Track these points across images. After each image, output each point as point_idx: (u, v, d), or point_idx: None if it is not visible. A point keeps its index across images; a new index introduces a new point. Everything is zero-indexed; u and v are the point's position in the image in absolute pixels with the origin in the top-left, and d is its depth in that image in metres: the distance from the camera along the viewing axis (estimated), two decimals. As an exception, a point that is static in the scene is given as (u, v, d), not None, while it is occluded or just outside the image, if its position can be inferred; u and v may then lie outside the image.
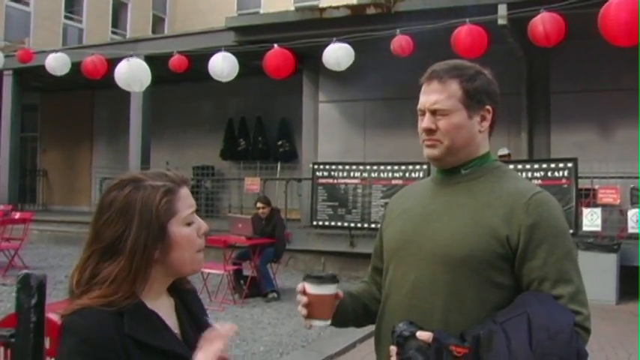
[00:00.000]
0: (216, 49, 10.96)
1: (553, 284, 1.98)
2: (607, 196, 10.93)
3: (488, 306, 2.00)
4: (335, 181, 12.90)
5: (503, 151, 12.53)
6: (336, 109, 15.44)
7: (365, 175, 12.63)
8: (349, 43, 10.21)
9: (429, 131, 2.16)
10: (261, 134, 18.29)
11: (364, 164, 12.89)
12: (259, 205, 10.69)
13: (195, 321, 1.88)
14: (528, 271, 2.01)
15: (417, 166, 12.19)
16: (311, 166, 13.45)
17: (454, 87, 2.14)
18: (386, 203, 11.82)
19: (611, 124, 13.04)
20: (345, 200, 12.73)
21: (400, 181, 12.25)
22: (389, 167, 12.47)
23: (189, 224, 1.75)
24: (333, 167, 13.01)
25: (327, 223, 12.94)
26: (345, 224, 12.73)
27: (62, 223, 17.40)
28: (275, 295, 10.23)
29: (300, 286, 2.17)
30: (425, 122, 2.17)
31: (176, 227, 1.72)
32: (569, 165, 10.66)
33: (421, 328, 1.93)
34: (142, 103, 15.98)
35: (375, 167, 12.60)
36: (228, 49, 11.00)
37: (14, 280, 9.62)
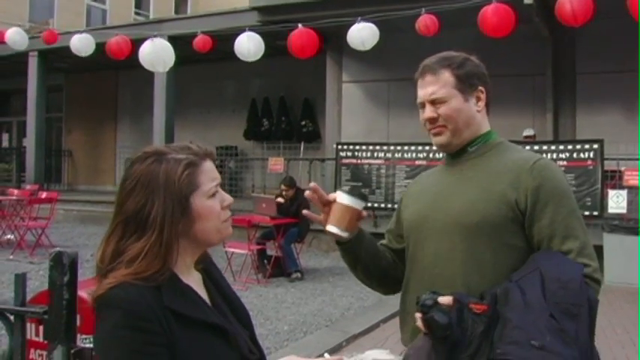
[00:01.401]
0: (240, 30, 10.93)
1: (562, 240, 2.13)
2: (633, 178, 10.81)
3: (504, 268, 2.13)
4: (359, 161, 12.89)
5: (529, 132, 12.45)
6: (359, 89, 15.39)
7: (389, 155, 12.62)
8: (374, 23, 10.14)
9: (432, 120, 2.32)
10: (285, 114, 18.29)
11: (388, 144, 12.86)
12: (283, 187, 10.70)
13: (222, 293, 1.90)
14: (538, 230, 2.15)
15: (441, 147, 12.14)
16: (335, 146, 13.45)
17: (446, 75, 2.30)
18: (406, 186, 11.85)
19: (638, 106, 12.89)
20: (369, 180, 12.74)
21: (424, 162, 12.24)
22: (412, 148, 12.45)
23: (212, 197, 1.75)
24: (357, 147, 13.00)
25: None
26: (369, 204, 12.71)
27: (87, 202, 17.56)
28: (299, 274, 10.27)
29: (330, 196, 2.30)
30: (426, 113, 2.33)
31: (199, 200, 1.72)
32: (595, 146, 10.57)
33: (443, 295, 2.04)
34: (165, 84, 16.02)
35: (398, 148, 12.59)
36: (252, 29, 10.97)
37: (41, 259, 9.73)
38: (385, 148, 12.75)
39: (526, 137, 12.29)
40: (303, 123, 17.92)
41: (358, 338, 7.18)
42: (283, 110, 18.30)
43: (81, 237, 14.10)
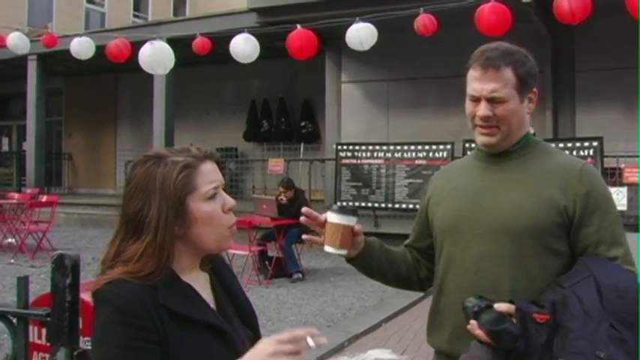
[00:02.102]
0: (239, 31, 10.94)
1: (608, 247, 2.12)
2: (633, 175, 10.82)
3: (549, 272, 2.12)
4: (359, 161, 12.91)
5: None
6: (358, 89, 15.40)
7: (388, 155, 12.64)
8: (372, 23, 10.15)
9: (487, 118, 2.21)
10: (284, 115, 18.31)
11: (387, 144, 12.88)
12: (280, 189, 10.71)
13: (231, 296, 1.89)
14: (584, 236, 2.14)
15: (441, 146, 12.19)
16: (334, 146, 13.47)
17: (509, 75, 2.19)
18: (406, 186, 11.75)
19: (637, 103, 12.89)
20: (369, 180, 12.75)
21: (424, 162, 12.28)
22: (412, 147, 12.48)
23: (210, 200, 1.72)
24: (357, 148, 13.02)
25: (351, 204, 12.96)
26: (369, 204, 12.76)
27: (88, 205, 17.58)
28: (300, 275, 10.28)
29: (321, 217, 2.28)
30: (482, 110, 2.21)
31: (196, 203, 1.70)
32: (595, 144, 10.58)
33: (492, 301, 2.00)
34: (165, 86, 16.03)
35: (398, 147, 12.61)
36: (250, 30, 10.98)
37: (43, 263, 9.70)
38: (385, 148, 12.76)
39: (525, 135, 12.27)
40: (303, 124, 17.94)
41: (360, 338, 7.19)
42: (283, 111, 18.30)
43: (82, 240, 14.11)
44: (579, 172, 2.17)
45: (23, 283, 2.20)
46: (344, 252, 2.27)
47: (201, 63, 16.41)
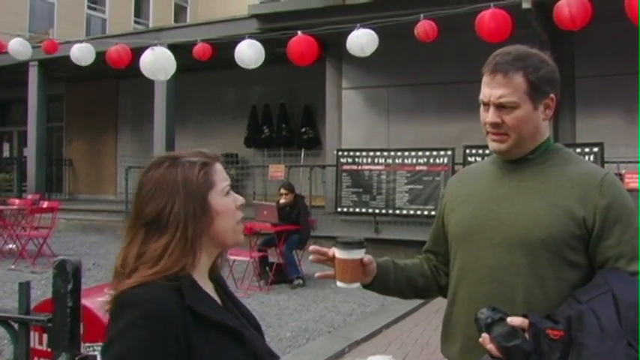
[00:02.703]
0: (240, 37, 10.97)
1: (628, 261, 2.03)
2: (633, 180, 10.81)
3: (566, 285, 2.06)
4: (359, 167, 12.93)
5: (529, 136, 12.44)
6: (359, 95, 15.40)
7: (389, 161, 12.66)
8: (373, 29, 10.17)
9: (495, 125, 2.17)
10: (285, 121, 18.30)
11: (388, 150, 12.89)
12: (282, 190, 10.75)
13: (233, 303, 1.93)
14: (604, 249, 2.06)
15: (442, 152, 12.20)
16: (335, 152, 13.48)
17: (519, 80, 2.13)
18: (407, 192, 11.70)
19: (638, 109, 12.89)
20: (370, 186, 12.77)
21: (424, 167, 12.30)
22: (413, 153, 12.50)
23: (226, 195, 1.82)
24: (357, 154, 13.04)
25: (351, 210, 12.98)
26: (370, 210, 12.77)
27: (89, 211, 17.60)
28: (301, 281, 10.28)
29: (329, 250, 2.27)
30: (490, 117, 2.18)
31: (216, 198, 1.78)
32: (595, 150, 10.58)
33: (505, 313, 1.94)
34: (165, 92, 16.03)
35: (399, 153, 12.63)
36: (251, 36, 11.01)
37: (43, 268, 9.70)
38: (385, 154, 12.78)
39: (526, 142, 12.28)
40: (304, 130, 17.93)
41: (360, 344, 7.18)
42: (284, 117, 18.31)
43: (82, 246, 14.13)
44: (600, 183, 2.10)
45: (25, 288, 2.20)
46: (356, 285, 2.26)
47: (202, 69, 16.44)
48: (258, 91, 18.64)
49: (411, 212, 12.41)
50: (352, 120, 15.31)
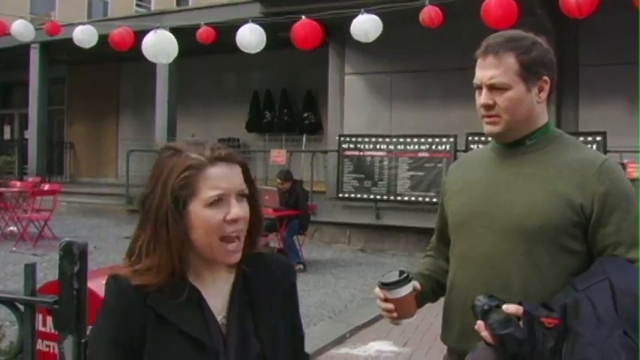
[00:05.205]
0: (243, 21, 10.92)
1: (627, 249, 2.01)
2: (635, 170, 10.78)
3: (564, 272, 2.06)
4: (361, 153, 12.93)
5: (532, 124, 12.42)
6: (362, 81, 15.36)
7: (391, 147, 12.64)
8: (377, 15, 10.11)
9: (487, 107, 2.16)
10: (287, 106, 18.28)
11: (390, 137, 12.87)
12: (278, 180, 10.77)
13: (254, 309, 1.74)
14: (602, 237, 2.05)
15: (444, 139, 12.19)
16: (337, 138, 13.47)
17: (510, 60, 2.12)
18: (409, 178, 11.69)
19: (634, 96, 12.85)
20: (372, 172, 12.76)
21: (426, 154, 12.29)
22: (415, 140, 12.49)
23: (211, 206, 1.61)
24: (360, 139, 13.03)
25: (352, 196, 12.98)
26: (371, 196, 12.77)
27: (90, 194, 17.60)
28: (301, 267, 10.29)
29: (380, 294, 2.21)
30: (482, 98, 2.17)
31: (195, 207, 1.61)
32: (598, 139, 10.57)
33: (502, 301, 1.94)
34: (167, 76, 16.01)
35: (401, 140, 12.61)
36: (254, 20, 10.96)
37: (45, 251, 9.71)
38: (388, 140, 12.76)
39: (528, 129, 12.27)
40: (306, 115, 17.91)
41: (361, 330, 7.19)
42: (285, 102, 18.28)
43: (83, 229, 14.14)
44: (598, 170, 2.08)
45: (30, 270, 2.18)
46: (414, 314, 2.26)
47: (204, 53, 16.35)
48: (260, 76, 18.58)
49: (413, 199, 12.41)
50: (354, 106, 15.28)
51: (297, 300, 1.92)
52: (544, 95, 2.19)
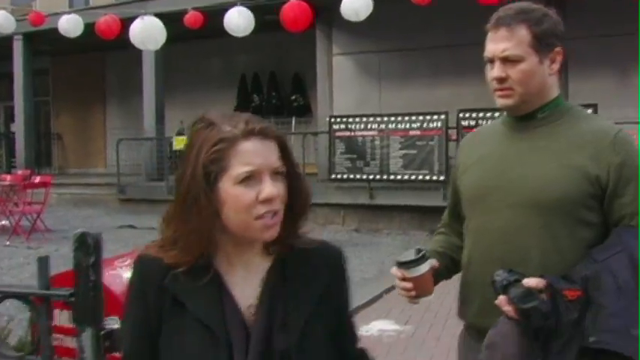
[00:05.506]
0: (230, 4, 10.84)
1: None
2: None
3: (581, 244, 2.04)
4: (352, 133, 12.91)
5: (522, 99, 12.42)
6: (350, 61, 15.31)
7: (382, 126, 12.63)
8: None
9: (500, 80, 2.13)
10: (275, 89, 18.26)
11: (382, 116, 12.86)
12: None
13: (287, 299, 1.59)
14: (619, 207, 2.04)
15: (435, 116, 12.18)
16: (328, 119, 13.43)
17: (523, 32, 2.10)
18: (401, 157, 11.63)
19: (630, 69, 12.85)
20: (364, 152, 12.75)
21: (418, 132, 12.29)
22: (406, 118, 12.47)
23: (242, 183, 1.50)
24: (351, 120, 13.01)
25: (345, 176, 12.96)
26: (364, 176, 12.76)
27: (80, 185, 17.53)
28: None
29: (398, 274, 2.19)
30: (495, 71, 2.13)
31: (225, 183, 1.51)
32: (589, 111, 10.52)
33: (522, 274, 1.92)
34: (154, 63, 15.90)
35: (392, 119, 12.60)
36: (243, 3, 10.87)
37: (38, 244, 9.68)
38: (379, 119, 12.74)
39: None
40: (294, 97, 17.89)
41: (362, 310, 7.17)
42: (273, 85, 18.25)
43: (76, 220, 14.06)
44: (613, 141, 2.06)
45: (44, 263, 2.14)
46: (432, 292, 2.24)
47: (189, 38, 16.26)
48: (246, 60, 18.51)
49: (406, 177, 12.40)
50: (343, 86, 15.24)
51: (346, 296, 1.73)
52: (556, 67, 2.16)
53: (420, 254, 2.15)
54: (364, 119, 12.85)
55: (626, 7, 12.00)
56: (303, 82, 17.81)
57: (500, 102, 2.17)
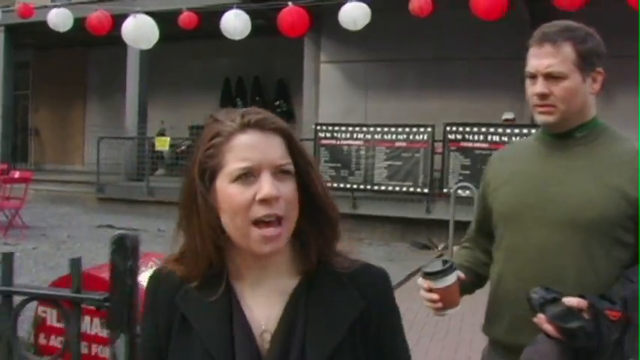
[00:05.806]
0: (225, 7, 10.77)
1: None
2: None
3: (617, 265, 2.04)
4: (338, 142, 12.85)
5: (508, 115, 12.47)
6: (337, 69, 15.30)
7: (368, 136, 12.61)
8: (366, 2, 10.03)
9: (543, 96, 2.11)
10: (259, 94, 18.20)
11: (368, 126, 12.84)
12: None
13: (315, 330, 1.37)
14: None
15: (422, 129, 12.18)
16: (313, 127, 13.38)
17: (567, 50, 2.09)
18: (386, 167, 11.56)
19: (613, 91, 12.95)
20: (348, 162, 12.71)
21: (404, 144, 12.28)
22: (393, 129, 12.47)
23: (237, 181, 1.32)
24: (337, 128, 12.97)
25: (329, 185, 12.83)
26: (348, 186, 12.71)
27: (57, 182, 17.26)
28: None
29: (424, 285, 2.15)
30: (538, 87, 2.12)
31: (221, 182, 1.34)
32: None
33: (559, 293, 1.90)
34: (139, 61, 15.74)
35: (378, 129, 12.59)
36: (239, 6, 10.80)
37: (16, 240, 9.46)
38: (365, 129, 12.72)
39: (505, 120, 12.34)
40: (277, 103, 17.82)
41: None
42: (257, 90, 18.20)
43: (53, 217, 13.88)
44: None
45: (77, 265, 2.06)
46: (459, 304, 2.20)
47: (176, 39, 16.11)
48: (232, 63, 18.42)
49: (390, 188, 12.39)
50: (330, 94, 15.22)
51: (390, 326, 1.46)
52: (597, 87, 2.15)
53: (447, 265, 2.12)
54: (350, 128, 12.82)
55: (611, 31, 12.12)
56: (288, 88, 17.79)
57: (540, 118, 2.16)
